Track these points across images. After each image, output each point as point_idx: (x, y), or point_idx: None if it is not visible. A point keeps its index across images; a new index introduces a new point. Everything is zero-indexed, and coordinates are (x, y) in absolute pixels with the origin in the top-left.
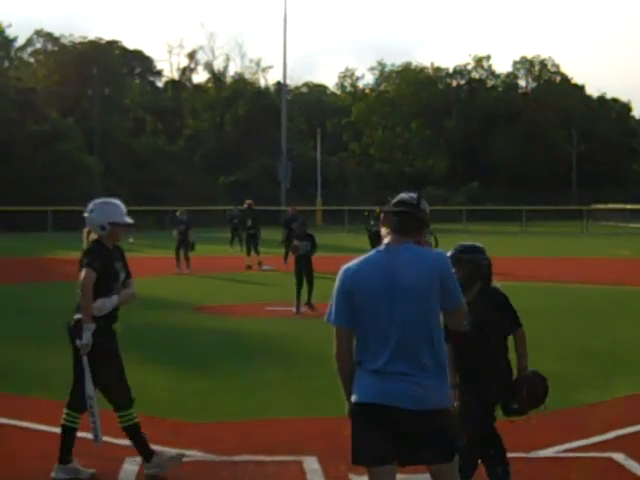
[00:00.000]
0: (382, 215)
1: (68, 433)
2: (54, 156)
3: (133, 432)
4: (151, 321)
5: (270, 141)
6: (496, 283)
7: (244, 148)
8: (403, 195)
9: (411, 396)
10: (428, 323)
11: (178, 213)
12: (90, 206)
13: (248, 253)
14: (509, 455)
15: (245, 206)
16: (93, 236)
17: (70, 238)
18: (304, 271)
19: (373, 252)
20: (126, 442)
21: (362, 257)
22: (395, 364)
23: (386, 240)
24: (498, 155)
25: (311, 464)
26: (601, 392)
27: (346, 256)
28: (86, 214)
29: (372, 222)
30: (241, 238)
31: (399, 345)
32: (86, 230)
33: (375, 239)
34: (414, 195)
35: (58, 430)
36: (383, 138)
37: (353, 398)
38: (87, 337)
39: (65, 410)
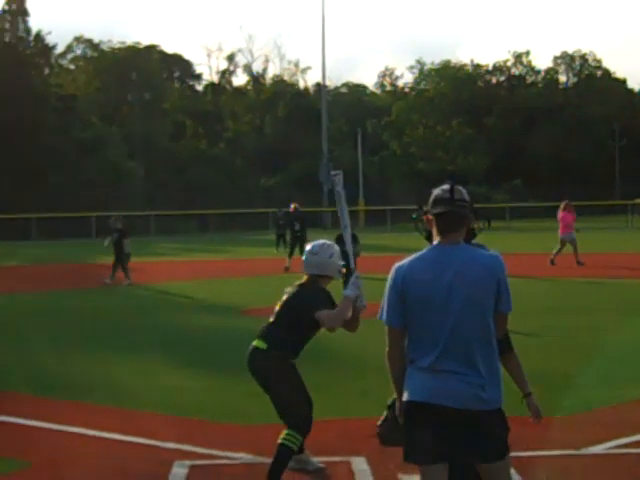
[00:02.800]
0: (426, 217)
1: (284, 452)
2: (97, 163)
3: (284, 454)
4: (198, 324)
5: (310, 142)
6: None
7: (285, 150)
8: (437, 192)
9: (461, 396)
10: (481, 323)
11: (112, 219)
12: (324, 249)
13: (290, 255)
14: (559, 452)
15: (291, 209)
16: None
17: None
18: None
19: (425, 250)
20: (175, 445)
21: (414, 255)
22: (446, 362)
23: (436, 241)
24: (540, 151)
25: (360, 464)
26: None
27: (389, 256)
28: (316, 256)
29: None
30: (286, 240)
31: (451, 343)
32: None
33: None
34: (446, 187)
35: (111, 435)
36: (424, 137)
37: (404, 396)
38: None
39: (286, 430)
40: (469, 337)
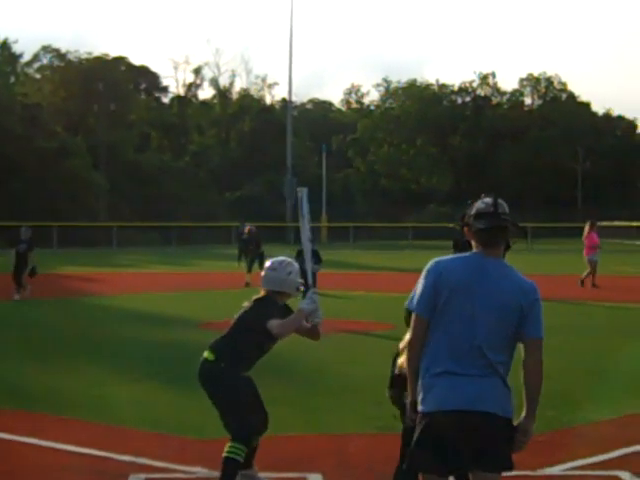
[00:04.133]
0: (466, 229)
1: (230, 465)
2: (61, 173)
3: (230, 467)
4: (156, 337)
5: (275, 157)
6: None
7: (249, 164)
8: (479, 205)
9: (480, 397)
10: (502, 337)
11: (23, 229)
12: (283, 266)
13: (249, 271)
14: (515, 473)
15: (246, 230)
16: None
17: (75, 254)
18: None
19: (469, 254)
20: (130, 458)
21: (456, 255)
22: (468, 367)
23: (477, 250)
24: (503, 172)
25: None
26: (607, 410)
27: (350, 272)
28: (274, 272)
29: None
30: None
31: (473, 350)
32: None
33: (466, 248)
34: (489, 201)
35: (67, 447)
36: (388, 155)
37: (420, 407)
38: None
39: (229, 443)
40: (492, 347)
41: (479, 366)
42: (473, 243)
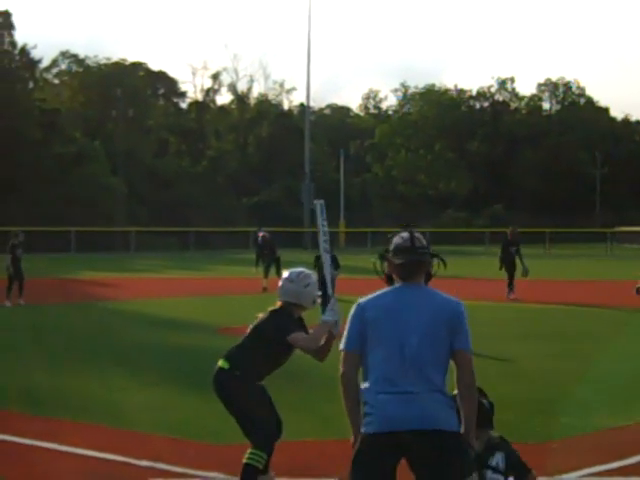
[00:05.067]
0: (387, 264)
1: (249, 471)
2: (79, 178)
3: (249, 473)
4: (174, 342)
5: (293, 162)
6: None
7: (267, 169)
8: (397, 240)
9: (427, 415)
10: (434, 355)
11: (20, 234)
12: (301, 278)
13: (266, 275)
14: None
15: (260, 236)
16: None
17: (93, 259)
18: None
19: (388, 289)
20: (149, 463)
21: (376, 293)
22: (402, 387)
23: (398, 284)
24: (521, 177)
25: None
26: (623, 416)
27: (368, 278)
28: (291, 284)
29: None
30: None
31: (406, 371)
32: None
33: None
34: (406, 236)
35: (85, 452)
36: (406, 160)
37: (362, 429)
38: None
39: (249, 449)
40: (425, 366)
41: (417, 386)
42: (394, 277)
